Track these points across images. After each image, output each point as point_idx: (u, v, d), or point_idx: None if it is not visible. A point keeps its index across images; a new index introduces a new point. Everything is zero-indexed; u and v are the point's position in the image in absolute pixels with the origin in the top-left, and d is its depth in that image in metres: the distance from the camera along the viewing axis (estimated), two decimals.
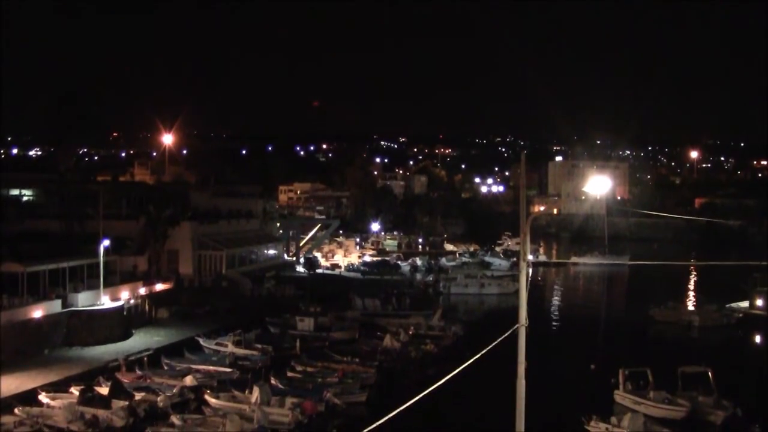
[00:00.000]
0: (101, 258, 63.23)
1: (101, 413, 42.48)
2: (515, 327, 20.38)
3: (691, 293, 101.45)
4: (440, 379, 19.48)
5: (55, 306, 59.78)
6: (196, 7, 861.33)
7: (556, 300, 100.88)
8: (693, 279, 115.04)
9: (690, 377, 48.52)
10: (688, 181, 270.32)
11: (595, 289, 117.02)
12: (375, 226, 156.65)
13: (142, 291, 71.65)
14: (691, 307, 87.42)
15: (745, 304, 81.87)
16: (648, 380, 48.70)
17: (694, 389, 47.86)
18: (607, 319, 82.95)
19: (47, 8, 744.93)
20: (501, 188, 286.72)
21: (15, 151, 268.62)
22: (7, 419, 42.21)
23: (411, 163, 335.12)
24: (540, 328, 69.77)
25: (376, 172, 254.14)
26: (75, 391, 46.29)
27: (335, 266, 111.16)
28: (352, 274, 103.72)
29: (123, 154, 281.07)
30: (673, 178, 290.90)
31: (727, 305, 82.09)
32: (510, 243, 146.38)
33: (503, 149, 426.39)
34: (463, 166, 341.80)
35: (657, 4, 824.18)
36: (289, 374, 53.98)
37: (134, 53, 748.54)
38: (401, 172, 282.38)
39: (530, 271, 21.65)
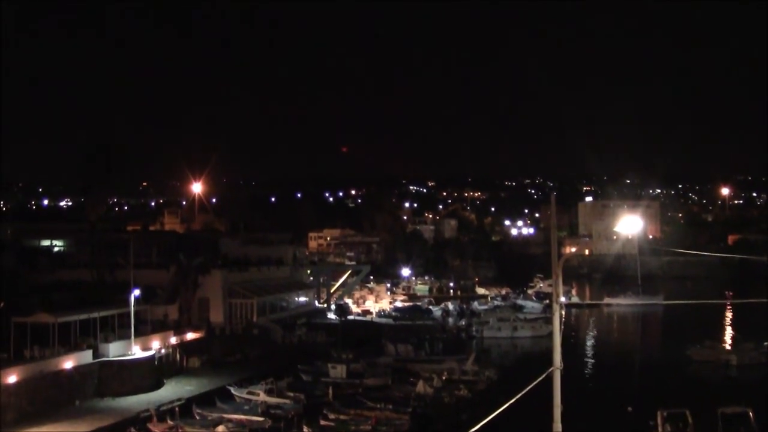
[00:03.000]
0: (132, 307, 63.34)
1: None
2: (550, 370, 20.09)
3: (728, 331, 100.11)
4: (475, 425, 19.15)
5: (86, 356, 59.83)
6: (223, 54, 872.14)
7: (590, 341, 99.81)
8: (729, 317, 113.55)
9: (730, 418, 47.51)
10: (720, 218, 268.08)
11: (630, 330, 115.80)
12: (406, 271, 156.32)
13: (173, 340, 71.61)
14: (728, 346, 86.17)
15: None
16: (687, 422, 47.71)
17: (736, 430, 46.86)
18: (642, 359, 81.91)
19: (78, 58, 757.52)
20: (531, 230, 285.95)
21: (46, 201, 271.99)
22: None
23: (440, 206, 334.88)
24: (575, 370, 69.23)
25: (405, 217, 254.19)
26: None
27: (366, 312, 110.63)
28: (383, 320, 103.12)
29: (153, 203, 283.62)
30: (705, 216, 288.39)
31: (766, 343, 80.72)
32: (542, 285, 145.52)
33: (532, 191, 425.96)
34: (492, 209, 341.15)
35: (685, 39, 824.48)
36: (322, 422, 53.49)
37: (163, 102, 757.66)
38: (431, 216, 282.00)
39: (563, 313, 21.31)
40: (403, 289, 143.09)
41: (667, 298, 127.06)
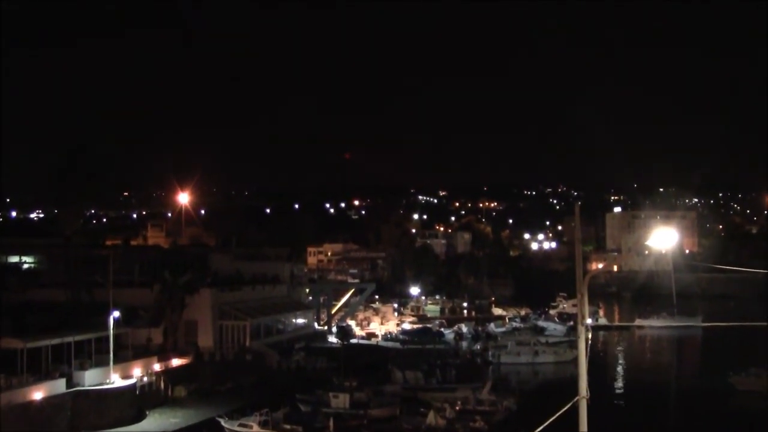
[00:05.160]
0: (111, 331, 63.30)
1: None
2: (575, 399, 19.90)
3: None
4: None
5: (59, 386, 59.70)
6: (214, 56, 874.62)
7: (620, 368, 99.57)
8: None
9: None
10: (766, 230, 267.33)
11: (665, 355, 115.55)
12: (414, 290, 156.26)
13: (157, 367, 71.62)
14: None
15: None
16: None
17: None
18: (679, 388, 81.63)
19: (55, 61, 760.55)
20: (553, 244, 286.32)
21: (14, 213, 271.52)
22: None
23: (453, 218, 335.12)
24: (603, 400, 68.97)
25: (414, 230, 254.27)
26: None
27: (371, 335, 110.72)
28: (390, 344, 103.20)
29: (135, 215, 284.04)
30: (749, 227, 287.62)
31: None
32: (566, 305, 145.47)
33: (554, 201, 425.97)
34: (510, 221, 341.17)
35: (721, 41, 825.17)
36: None
37: (147, 105, 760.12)
38: (442, 229, 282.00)
39: (590, 336, 21.17)
40: (412, 310, 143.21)
41: (707, 319, 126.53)
